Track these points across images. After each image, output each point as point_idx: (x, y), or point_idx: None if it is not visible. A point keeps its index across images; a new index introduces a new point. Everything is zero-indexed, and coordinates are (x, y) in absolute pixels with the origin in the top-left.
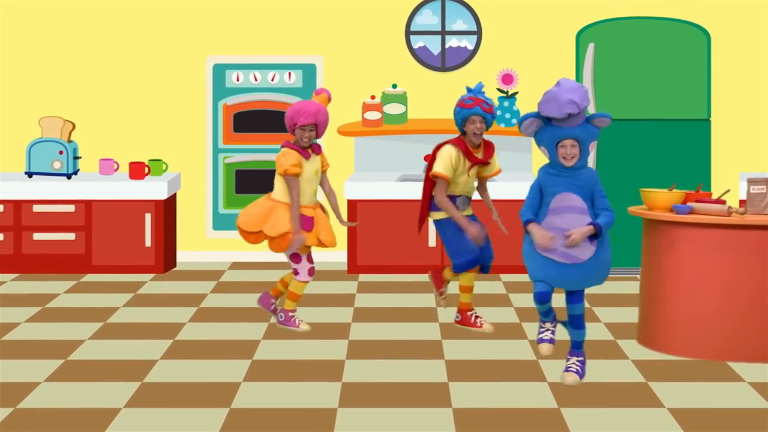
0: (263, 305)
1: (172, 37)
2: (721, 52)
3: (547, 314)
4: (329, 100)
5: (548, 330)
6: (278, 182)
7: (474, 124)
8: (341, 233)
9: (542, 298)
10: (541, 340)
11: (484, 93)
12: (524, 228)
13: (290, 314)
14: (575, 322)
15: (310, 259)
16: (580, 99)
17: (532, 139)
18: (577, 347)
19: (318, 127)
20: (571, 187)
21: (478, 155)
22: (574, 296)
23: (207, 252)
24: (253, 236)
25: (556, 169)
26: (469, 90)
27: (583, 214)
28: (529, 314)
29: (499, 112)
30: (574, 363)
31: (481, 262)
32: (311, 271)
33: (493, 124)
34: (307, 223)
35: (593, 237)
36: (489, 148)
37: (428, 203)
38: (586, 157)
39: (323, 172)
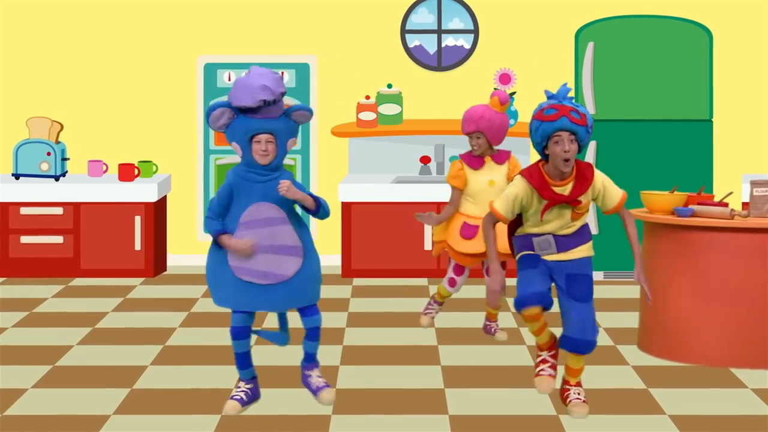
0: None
1: (162, 36)
2: (724, 51)
3: (245, 361)
4: (503, 103)
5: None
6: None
7: (560, 145)
8: (336, 236)
9: (238, 335)
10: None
11: (572, 99)
12: (214, 241)
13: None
14: (313, 335)
15: (458, 270)
16: (274, 85)
17: (530, 141)
18: (311, 359)
19: (485, 133)
20: (266, 196)
21: (562, 190)
22: (307, 310)
23: (198, 255)
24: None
25: (250, 172)
26: (550, 96)
27: (282, 224)
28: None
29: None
30: (318, 378)
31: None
32: (452, 282)
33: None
34: (467, 231)
35: (313, 213)
36: (583, 177)
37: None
38: (283, 155)
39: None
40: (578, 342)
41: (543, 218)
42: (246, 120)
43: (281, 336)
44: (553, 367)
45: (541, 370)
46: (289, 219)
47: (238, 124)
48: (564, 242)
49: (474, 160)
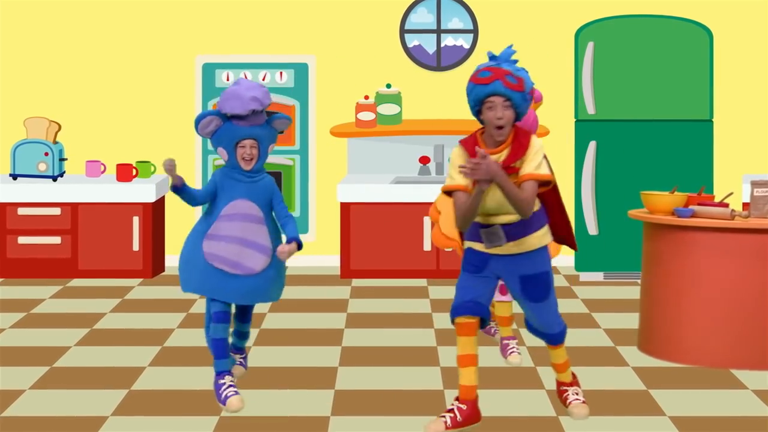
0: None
1: (160, 36)
2: (724, 51)
3: (222, 348)
4: (536, 100)
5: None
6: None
7: (493, 110)
8: (335, 237)
9: (222, 318)
10: (225, 398)
11: (515, 62)
12: (192, 232)
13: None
14: (244, 337)
15: None
16: (262, 96)
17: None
18: (239, 351)
19: None
20: (249, 194)
21: (496, 157)
22: (246, 315)
23: None
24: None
25: (235, 173)
26: (491, 56)
27: (259, 223)
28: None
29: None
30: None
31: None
32: (501, 289)
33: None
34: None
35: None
36: (519, 144)
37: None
38: (264, 159)
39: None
40: (552, 336)
41: (475, 188)
42: (232, 127)
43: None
44: (454, 421)
45: (443, 417)
46: (266, 222)
47: (224, 131)
48: (513, 231)
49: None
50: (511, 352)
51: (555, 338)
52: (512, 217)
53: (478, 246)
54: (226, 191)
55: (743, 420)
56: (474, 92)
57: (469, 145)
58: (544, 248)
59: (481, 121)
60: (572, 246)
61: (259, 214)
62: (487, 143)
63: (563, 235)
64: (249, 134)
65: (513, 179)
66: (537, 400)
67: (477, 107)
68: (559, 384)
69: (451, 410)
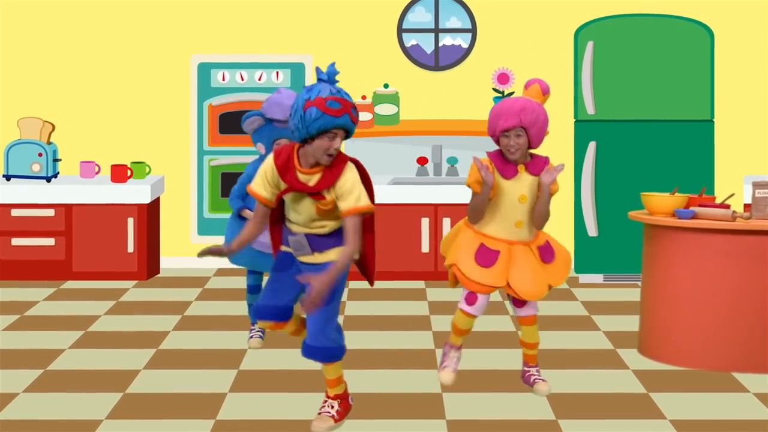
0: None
1: (155, 35)
2: (725, 50)
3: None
4: (545, 93)
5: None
6: None
7: (331, 141)
8: None
9: (255, 290)
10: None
11: (337, 82)
12: (238, 215)
13: (445, 348)
14: (257, 290)
15: (471, 299)
16: None
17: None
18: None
19: (528, 130)
20: None
21: (306, 178)
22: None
23: (191, 258)
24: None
25: None
26: (322, 77)
27: None
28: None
29: None
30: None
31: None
32: (470, 299)
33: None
34: (485, 258)
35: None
36: (332, 172)
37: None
38: None
39: (541, 196)
40: (310, 348)
41: (282, 200)
42: (272, 127)
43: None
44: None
45: None
46: None
47: (265, 130)
48: (319, 242)
49: (507, 167)
50: (536, 381)
51: (322, 353)
52: (318, 230)
53: (290, 249)
54: None
55: (745, 423)
56: (321, 121)
57: (281, 160)
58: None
59: (306, 139)
60: (370, 280)
61: None
62: (302, 163)
63: (368, 263)
64: (285, 134)
65: (321, 205)
66: (536, 403)
67: (315, 133)
68: (326, 393)
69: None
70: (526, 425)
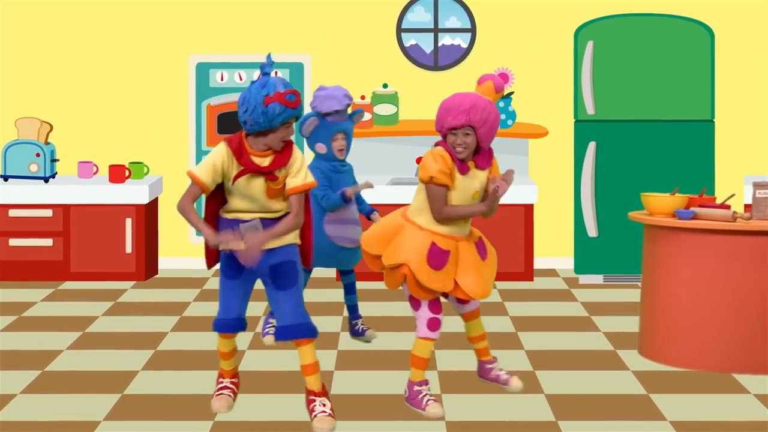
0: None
1: (153, 35)
2: (726, 50)
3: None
4: (498, 90)
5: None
6: (419, 194)
7: (288, 129)
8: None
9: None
10: (363, 331)
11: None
12: (344, 199)
13: (415, 388)
14: (352, 288)
15: (434, 308)
16: (348, 93)
17: (528, 141)
18: (356, 310)
19: (476, 130)
20: (349, 181)
21: (260, 161)
22: (350, 271)
23: (190, 258)
24: (375, 261)
25: (332, 164)
26: (268, 69)
27: (353, 204)
28: (525, 323)
29: None
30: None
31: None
32: (433, 324)
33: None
34: (436, 259)
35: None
36: (282, 153)
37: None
38: (349, 150)
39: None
40: (298, 327)
41: (234, 184)
42: (328, 124)
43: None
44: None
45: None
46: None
47: (322, 128)
48: (271, 226)
49: (459, 163)
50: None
51: (306, 329)
52: (272, 214)
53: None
54: (337, 182)
55: (745, 424)
56: (284, 114)
57: (234, 144)
58: (295, 245)
59: (259, 129)
60: (307, 262)
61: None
62: (253, 147)
63: (306, 246)
64: (341, 128)
65: (273, 185)
66: (535, 404)
67: (268, 127)
68: (308, 393)
69: (226, 386)
70: (526, 426)
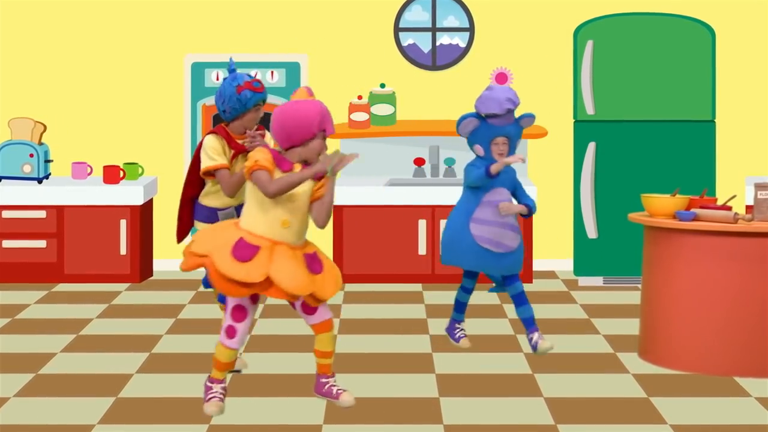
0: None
1: (148, 34)
2: (727, 50)
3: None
4: (310, 94)
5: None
6: (247, 199)
7: (258, 112)
8: (327, 240)
9: (468, 292)
10: (460, 338)
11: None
12: (487, 175)
13: (207, 384)
14: (521, 299)
15: (237, 316)
16: (514, 97)
17: (528, 142)
18: (532, 323)
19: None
20: (503, 182)
21: (242, 143)
22: (511, 277)
23: None
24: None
25: (490, 165)
26: (233, 67)
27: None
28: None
29: None
30: (537, 335)
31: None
32: (230, 331)
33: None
34: (241, 251)
35: (524, 216)
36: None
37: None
38: (513, 153)
39: (315, 199)
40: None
41: (231, 169)
42: (488, 126)
43: (501, 287)
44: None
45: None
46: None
47: (481, 130)
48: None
49: (283, 160)
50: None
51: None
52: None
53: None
54: (488, 185)
55: (746, 428)
56: (254, 98)
57: (223, 133)
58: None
59: (230, 118)
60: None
61: (509, 197)
62: (235, 133)
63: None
64: (502, 132)
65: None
66: (534, 408)
67: (244, 110)
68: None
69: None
70: (525, 430)
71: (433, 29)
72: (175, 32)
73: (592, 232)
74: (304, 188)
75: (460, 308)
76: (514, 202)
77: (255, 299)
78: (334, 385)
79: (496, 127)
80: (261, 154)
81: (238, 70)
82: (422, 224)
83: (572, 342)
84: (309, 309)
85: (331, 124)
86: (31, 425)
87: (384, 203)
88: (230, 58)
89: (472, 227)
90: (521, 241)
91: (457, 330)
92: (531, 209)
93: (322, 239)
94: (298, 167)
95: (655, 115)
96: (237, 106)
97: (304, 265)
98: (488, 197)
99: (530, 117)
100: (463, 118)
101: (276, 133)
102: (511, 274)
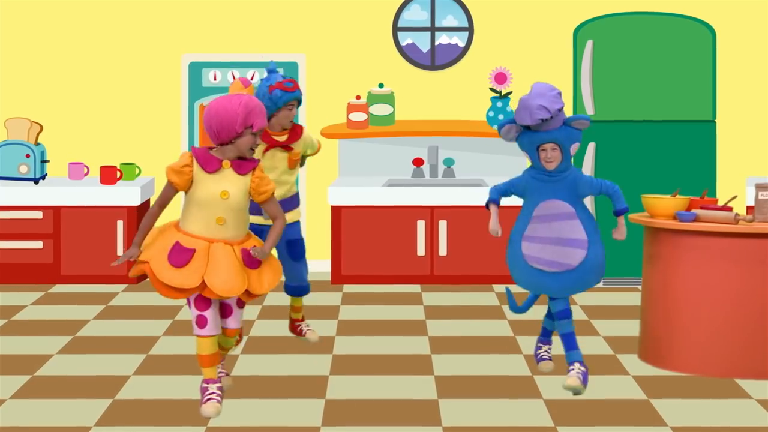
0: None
1: (145, 34)
2: (727, 49)
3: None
4: (246, 86)
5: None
6: (185, 198)
7: (292, 110)
8: (325, 241)
9: (563, 315)
10: (542, 359)
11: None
12: (486, 206)
13: (202, 385)
14: (562, 315)
15: (200, 305)
16: (550, 103)
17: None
18: (549, 336)
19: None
20: (556, 193)
21: (278, 138)
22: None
23: None
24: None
25: (540, 174)
26: (271, 67)
27: (571, 218)
28: (522, 327)
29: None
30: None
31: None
32: (200, 321)
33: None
34: (177, 257)
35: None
36: (295, 131)
37: None
38: (568, 159)
39: (263, 201)
40: (300, 287)
41: (263, 161)
42: (530, 133)
43: (522, 308)
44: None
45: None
46: (579, 214)
47: (525, 137)
48: (285, 206)
49: (210, 160)
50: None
51: (305, 289)
52: (281, 191)
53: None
54: (534, 192)
55: (747, 430)
56: (285, 96)
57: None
58: (299, 222)
59: (269, 113)
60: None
61: (570, 210)
62: (274, 129)
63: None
64: (547, 138)
65: (292, 157)
66: (534, 409)
67: (275, 108)
68: (295, 320)
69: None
70: (525, 431)
71: (432, 29)
72: (172, 32)
73: None
74: (238, 188)
75: (543, 332)
76: (574, 222)
77: None
78: (223, 371)
79: (539, 132)
80: (178, 160)
81: (278, 71)
82: (421, 225)
83: None
84: (228, 310)
85: (260, 118)
86: (27, 427)
87: (382, 204)
88: (271, 61)
89: (524, 246)
90: (589, 255)
91: (540, 350)
92: (626, 212)
93: (321, 239)
94: (227, 165)
95: (656, 115)
96: (269, 105)
97: (240, 261)
98: (539, 212)
99: (582, 119)
100: (503, 124)
101: (206, 131)
102: (569, 295)
